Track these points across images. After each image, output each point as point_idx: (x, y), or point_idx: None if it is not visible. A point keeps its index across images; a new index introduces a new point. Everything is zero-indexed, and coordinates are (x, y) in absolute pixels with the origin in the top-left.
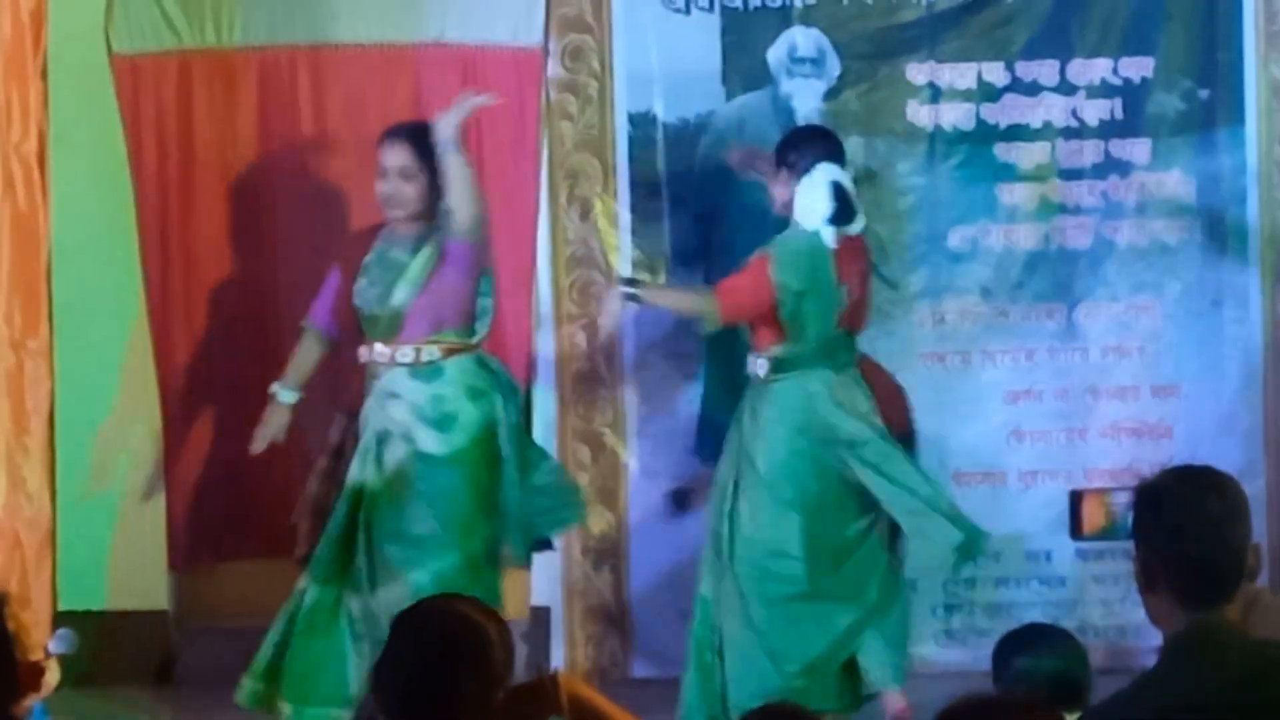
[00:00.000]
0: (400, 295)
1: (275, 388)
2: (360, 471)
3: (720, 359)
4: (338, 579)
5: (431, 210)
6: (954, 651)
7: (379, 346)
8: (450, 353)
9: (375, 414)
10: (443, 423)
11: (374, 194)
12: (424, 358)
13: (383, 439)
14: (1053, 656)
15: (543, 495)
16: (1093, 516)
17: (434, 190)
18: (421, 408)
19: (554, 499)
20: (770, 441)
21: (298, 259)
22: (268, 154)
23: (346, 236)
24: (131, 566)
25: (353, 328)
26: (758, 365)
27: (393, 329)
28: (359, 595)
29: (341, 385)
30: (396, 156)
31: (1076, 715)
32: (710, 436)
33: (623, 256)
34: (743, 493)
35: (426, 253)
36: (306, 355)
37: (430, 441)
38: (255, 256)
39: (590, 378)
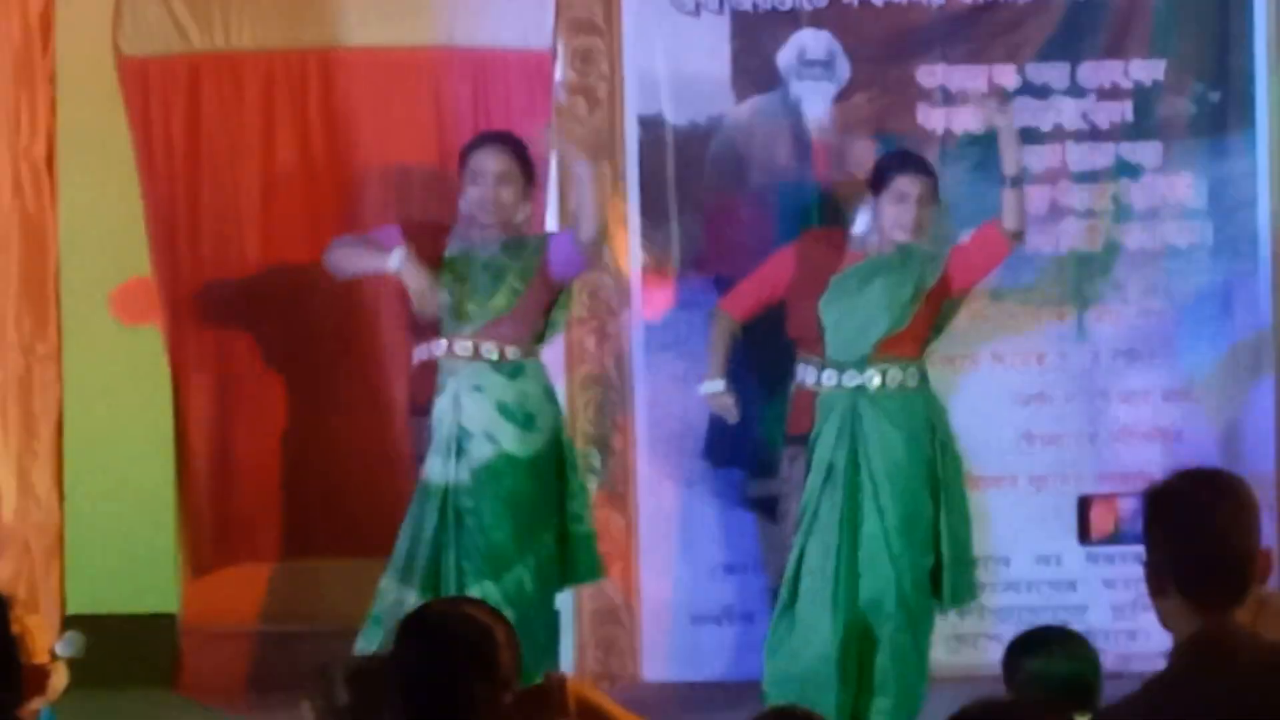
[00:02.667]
0: (503, 298)
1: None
2: (443, 470)
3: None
4: (430, 581)
5: (516, 218)
6: (965, 655)
7: (461, 342)
8: (528, 355)
9: (452, 410)
10: (526, 421)
11: (386, 203)
12: (509, 355)
13: (464, 436)
14: (1064, 659)
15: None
16: (1101, 522)
17: (523, 198)
18: (507, 404)
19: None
20: None
21: (308, 259)
22: (277, 157)
23: (411, 227)
24: (140, 570)
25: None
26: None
27: (482, 327)
28: (431, 593)
29: (415, 389)
30: (498, 161)
31: (1087, 718)
32: (719, 440)
33: (632, 259)
34: None
35: (531, 260)
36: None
37: (512, 441)
38: (266, 259)
39: (599, 381)
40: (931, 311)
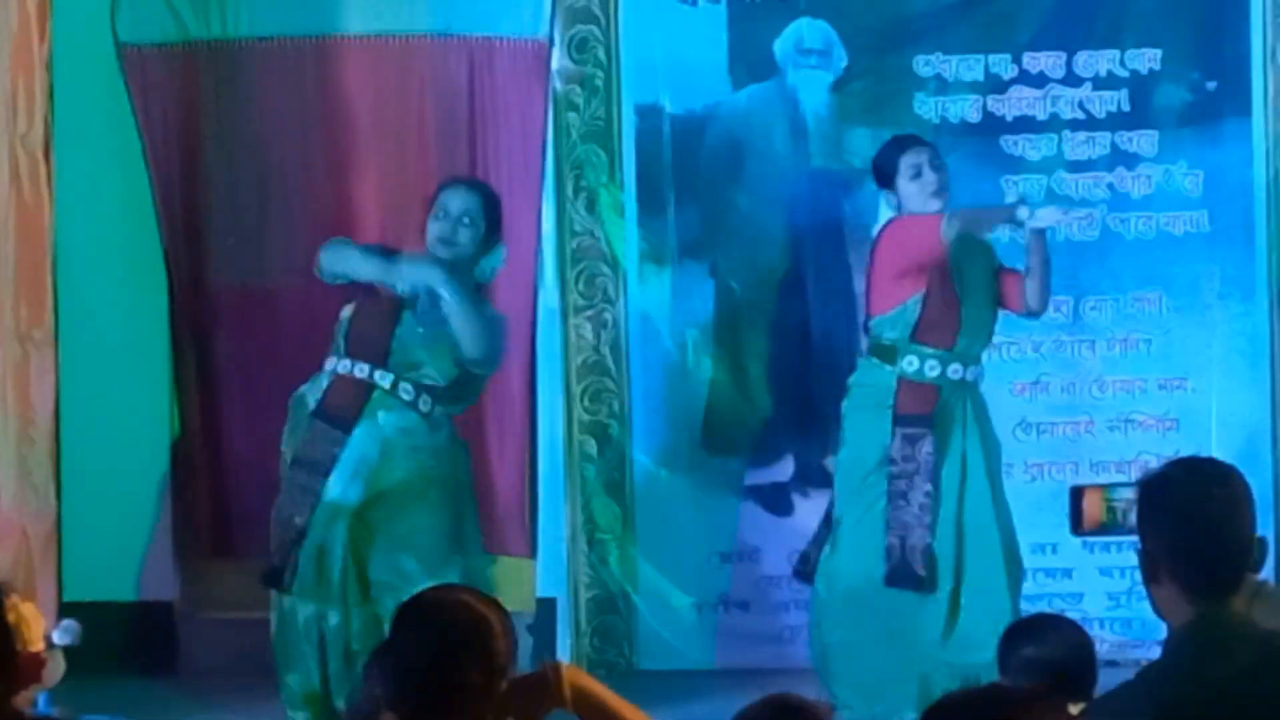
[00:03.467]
0: (418, 352)
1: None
2: (348, 490)
3: (727, 352)
4: (317, 594)
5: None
6: None
7: (383, 372)
8: (421, 390)
9: (360, 434)
10: (411, 463)
11: (383, 190)
12: (421, 407)
13: (367, 460)
14: (1059, 647)
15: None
16: (1092, 512)
17: (478, 244)
18: (393, 445)
19: None
20: None
21: (308, 254)
22: (275, 146)
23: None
24: (136, 558)
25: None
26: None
27: (381, 354)
28: (338, 609)
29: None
30: (463, 201)
31: (1081, 706)
32: (716, 429)
33: (628, 247)
34: None
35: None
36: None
37: (400, 470)
38: (267, 249)
39: (596, 369)
40: None
